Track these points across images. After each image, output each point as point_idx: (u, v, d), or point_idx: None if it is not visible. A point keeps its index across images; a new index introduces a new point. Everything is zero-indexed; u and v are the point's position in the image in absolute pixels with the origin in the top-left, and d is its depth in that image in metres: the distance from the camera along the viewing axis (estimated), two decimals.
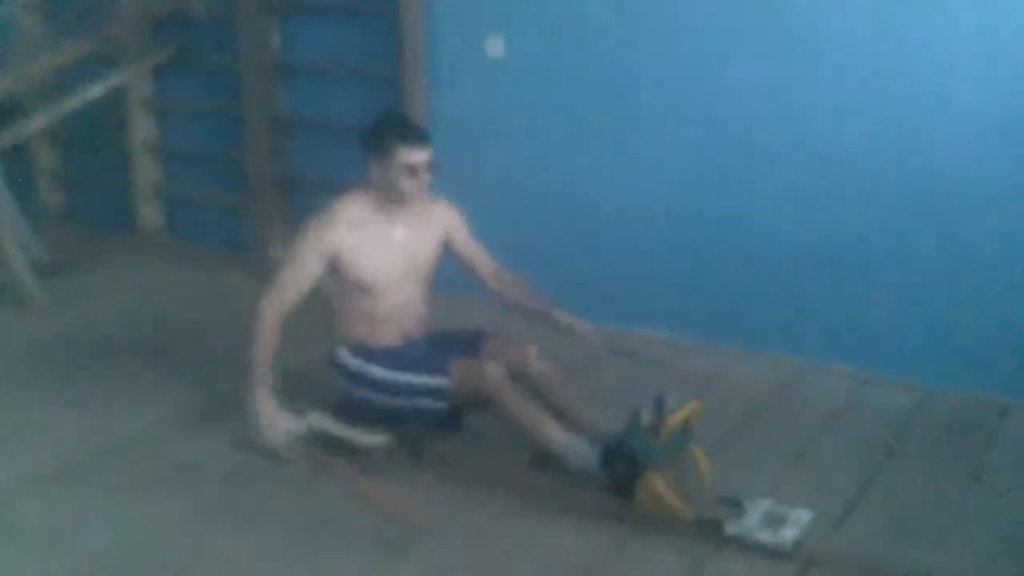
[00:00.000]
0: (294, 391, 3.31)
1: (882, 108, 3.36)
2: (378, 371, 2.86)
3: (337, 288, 2.93)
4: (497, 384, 2.75)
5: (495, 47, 3.97)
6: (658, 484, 2.54)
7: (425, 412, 2.85)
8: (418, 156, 2.80)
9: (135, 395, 3.40)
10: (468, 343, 2.96)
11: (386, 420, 2.91)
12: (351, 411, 2.94)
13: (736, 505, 2.59)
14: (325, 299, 3.00)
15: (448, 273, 3.15)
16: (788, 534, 2.46)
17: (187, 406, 3.32)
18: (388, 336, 2.93)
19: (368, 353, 2.89)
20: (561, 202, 4.03)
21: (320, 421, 2.97)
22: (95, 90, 4.67)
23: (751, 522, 2.51)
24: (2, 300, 4.31)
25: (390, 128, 2.84)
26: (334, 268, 2.87)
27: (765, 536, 2.47)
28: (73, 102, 4.65)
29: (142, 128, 5.02)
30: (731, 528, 2.50)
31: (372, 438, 2.88)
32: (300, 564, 2.47)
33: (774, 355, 3.67)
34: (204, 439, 3.09)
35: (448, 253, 3.08)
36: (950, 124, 3.27)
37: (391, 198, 2.85)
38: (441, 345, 2.98)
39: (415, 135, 2.82)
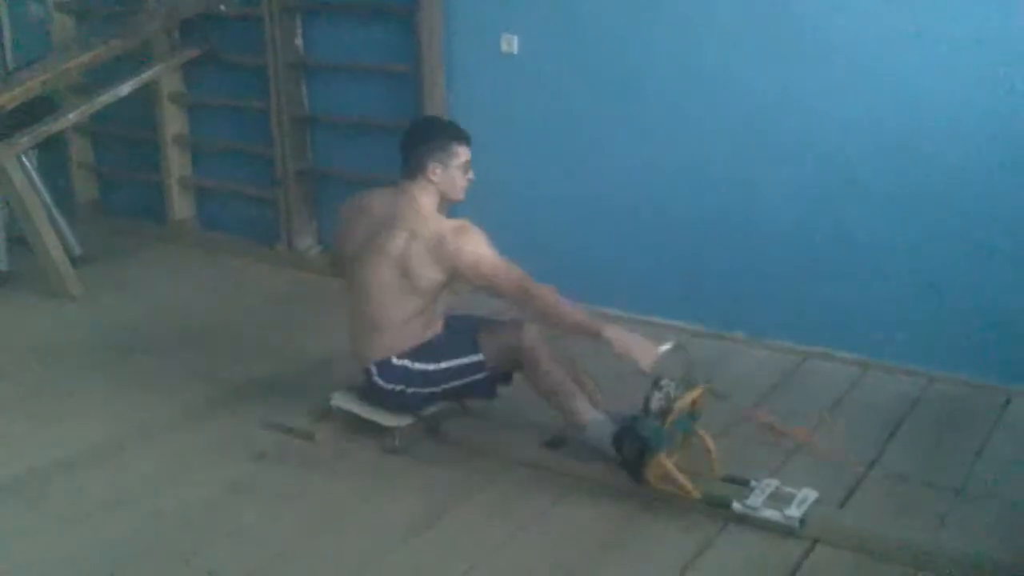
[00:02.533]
0: (320, 376, 3.44)
1: (886, 97, 3.40)
2: (420, 366, 2.93)
3: (414, 295, 2.88)
4: (534, 341, 2.83)
5: (510, 44, 4.07)
6: (667, 465, 2.62)
7: (474, 385, 2.96)
8: (469, 153, 2.92)
9: (165, 381, 3.50)
10: (477, 327, 3.01)
11: (445, 400, 3.02)
12: (408, 407, 3.00)
13: (743, 484, 2.66)
14: (380, 315, 2.93)
15: None
16: (794, 512, 2.53)
17: (215, 391, 3.41)
18: (433, 332, 2.99)
19: (413, 354, 2.94)
20: (572, 193, 4.11)
21: (345, 401, 3.08)
22: (126, 87, 4.77)
23: (758, 501, 2.58)
24: (38, 289, 4.43)
25: (447, 131, 2.96)
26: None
27: (772, 514, 2.54)
28: (105, 98, 4.74)
29: (172, 123, 5.11)
30: (738, 506, 2.57)
31: (395, 419, 2.99)
32: (325, 541, 2.56)
33: (779, 342, 3.72)
34: (231, 422, 3.19)
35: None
36: (954, 113, 3.30)
37: (448, 197, 2.94)
38: (457, 330, 3.05)
39: (467, 135, 2.94)
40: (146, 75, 4.82)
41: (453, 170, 2.90)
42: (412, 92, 4.30)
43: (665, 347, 2.76)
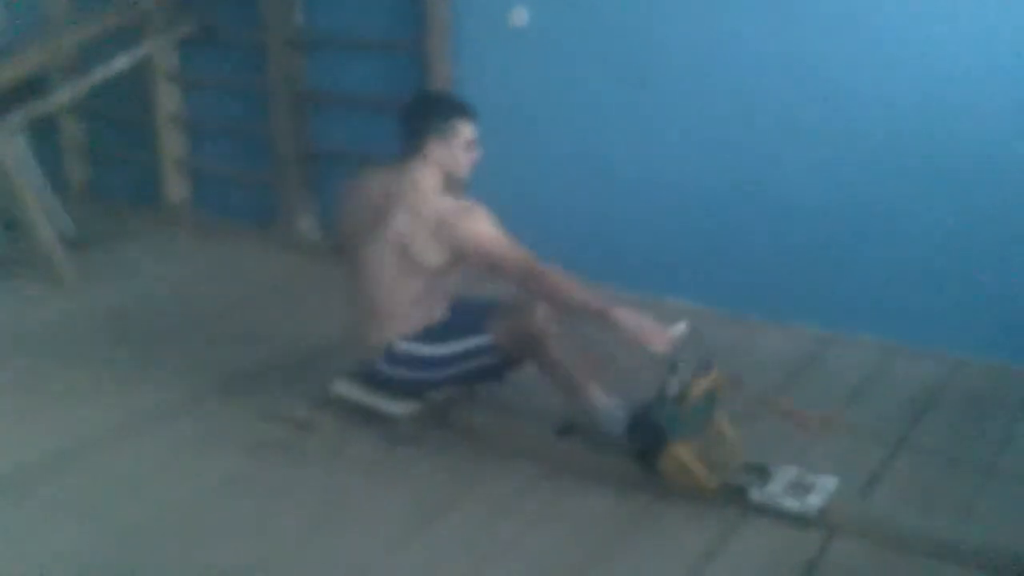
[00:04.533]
0: (320, 362, 3.37)
1: (908, 79, 3.33)
2: (428, 349, 2.85)
3: (418, 277, 2.82)
4: (544, 324, 2.74)
5: (519, 17, 3.97)
6: (683, 453, 2.55)
7: (484, 368, 2.86)
8: (474, 130, 2.82)
9: (159, 369, 3.43)
10: (485, 309, 2.93)
11: (452, 385, 2.93)
12: (414, 393, 2.94)
13: (762, 472, 2.60)
14: (382, 298, 2.88)
15: None
16: (814, 501, 2.47)
17: (212, 379, 3.35)
18: (439, 314, 2.92)
19: (419, 336, 2.86)
20: (585, 171, 4.03)
21: (347, 389, 3.00)
22: (120, 63, 4.70)
23: (776, 489, 2.52)
24: (30, 274, 4.37)
25: (447, 105, 2.85)
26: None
27: (791, 503, 2.48)
28: (98, 75, 4.68)
29: (167, 102, 5.05)
30: (756, 495, 2.51)
31: (400, 406, 2.91)
32: (328, 534, 2.50)
33: (800, 326, 3.66)
34: (229, 412, 3.13)
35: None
36: (977, 96, 3.23)
37: (452, 175, 2.85)
38: (465, 311, 2.97)
39: (471, 110, 2.83)
40: (140, 51, 4.75)
41: (455, 147, 2.79)
42: (416, 68, 4.21)
43: (678, 330, 2.66)
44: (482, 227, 2.71)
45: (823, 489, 2.51)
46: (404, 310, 2.83)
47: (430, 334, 2.86)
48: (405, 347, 2.85)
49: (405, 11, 4.22)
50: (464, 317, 2.89)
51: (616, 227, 4.01)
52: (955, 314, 3.41)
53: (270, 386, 3.26)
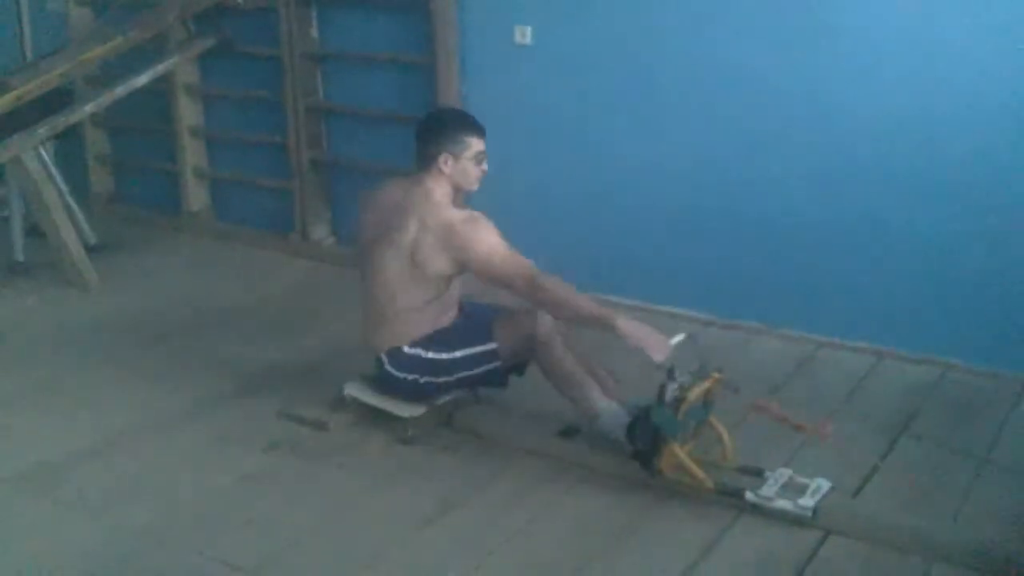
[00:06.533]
0: (333, 366, 3.45)
1: (899, 88, 3.39)
2: (433, 355, 2.93)
3: (424, 285, 2.90)
4: (548, 330, 2.83)
5: (524, 35, 4.07)
6: (680, 455, 2.62)
7: (488, 374, 2.95)
8: (483, 144, 2.92)
9: (178, 371, 3.50)
10: (491, 316, 3.02)
11: (457, 389, 3.02)
12: (421, 396, 3.01)
13: (757, 474, 2.66)
14: (390, 303, 2.94)
15: None
16: (807, 502, 2.52)
17: (229, 381, 3.42)
18: (446, 320, 3.01)
19: (426, 342, 2.95)
20: (585, 182, 4.10)
21: (359, 391, 3.08)
22: (143, 78, 4.79)
23: (771, 491, 2.58)
24: (53, 279, 4.45)
25: (459, 122, 2.96)
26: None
27: (785, 504, 2.54)
28: (121, 89, 4.75)
29: (188, 114, 5.12)
30: (752, 496, 2.57)
31: (408, 408, 2.99)
32: (340, 531, 2.58)
33: (793, 331, 3.71)
34: (245, 413, 3.20)
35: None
36: (966, 104, 3.28)
37: (462, 188, 2.95)
38: (471, 318, 3.07)
39: (478, 125, 2.94)
40: (162, 66, 4.84)
41: (465, 161, 2.89)
42: (427, 83, 4.30)
43: (677, 339, 2.75)
44: (489, 239, 2.80)
45: (817, 491, 2.57)
46: (410, 316, 2.92)
47: (437, 340, 2.94)
48: (411, 352, 2.93)
49: (415, 29, 4.31)
50: (471, 324, 2.99)
51: (617, 238, 4.07)
52: (944, 320, 3.46)
53: (286, 388, 3.33)
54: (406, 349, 2.94)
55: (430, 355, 2.93)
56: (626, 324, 2.71)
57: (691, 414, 2.67)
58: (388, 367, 2.97)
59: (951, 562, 2.39)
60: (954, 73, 3.29)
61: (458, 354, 2.92)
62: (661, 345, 2.69)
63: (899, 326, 3.54)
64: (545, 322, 2.85)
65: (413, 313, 2.92)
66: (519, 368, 3.01)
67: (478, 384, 3.05)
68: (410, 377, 2.95)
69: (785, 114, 3.61)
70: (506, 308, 3.05)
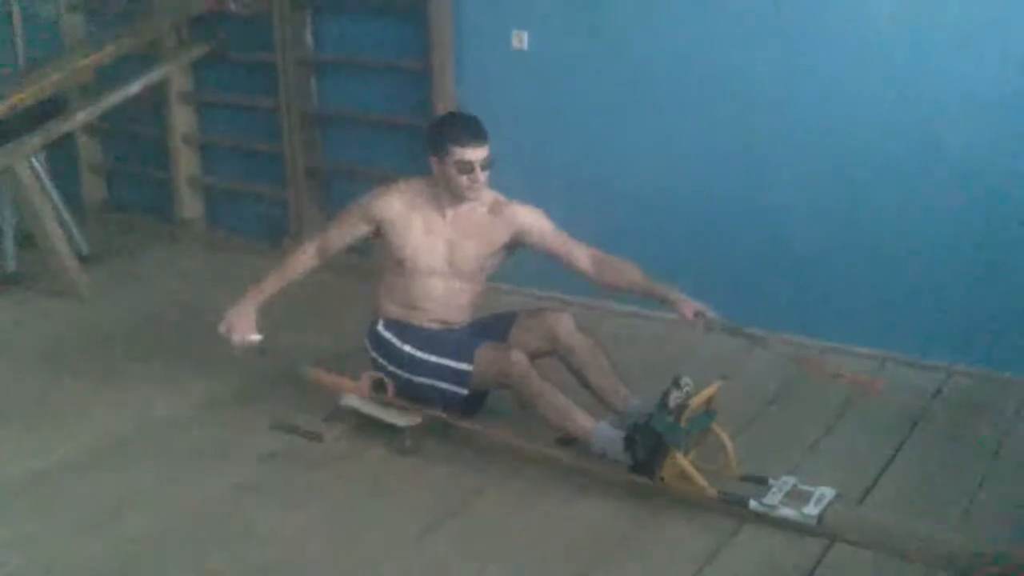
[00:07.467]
0: (336, 370, 3.42)
1: (899, 94, 3.38)
2: (407, 348, 2.98)
3: (381, 259, 3.11)
4: (522, 372, 2.82)
5: (520, 40, 4.05)
6: (683, 463, 2.60)
7: (445, 394, 2.95)
8: (472, 154, 2.91)
9: (173, 380, 3.48)
10: (505, 325, 3.06)
11: (410, 398, 2.99)
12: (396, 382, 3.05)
13: (760, 483, 2.64)
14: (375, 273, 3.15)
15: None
16: (812, 510, 2.50)
17: (223, 390, 3.40)
18: (423, 320, 3.04)
19: (402, 329, 3.01)
20: (584, 188, 4.07)
21: (356, 401, 3.05)
22: (135, 86, 4.77)
23: (775, 499, 2.55)
24: (46, 288, 4.43)
25: (446, 127, 2.99)
26: (378, 233, 3.04)
27: (789, 512, 2.51)
28: (114, 97, 4.74)
29: (181, 121, 5.11)
30: (755, 505, 2.54)
31: (404, 416, 2.96)
32: (338, 541, 2.55)
33: (795, 337, 3.67)
34: (240, 422, 3.18)
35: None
36: (969, 97, 3.27)
37: (450, 193, 2.98)
38: (478, 330, 3.07)
39: (470, 134, 2.92)
40: (155, 74, 4.82)
41: (447, 167, 2.92)
42: (423, 89, 4.28)
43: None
44: (352, 206, 3.09)
45: (821, 498, 2.55)
46: (382, 282, 3.11)
47: (416, 335, 2.99)
48: (384, 334, 3.04)
49: (411, 34, 4.30)
50: (464, 339, 3.00)
51: (615, 241, 4.02)
52: (948, 323, 3.44)
53: (280, 397, 3.30)
54: (380, 327, 3.04)
55: (404, 346, 2.99)
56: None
57: (693, 422, 2.65)
58: (366, 340, 3.10)
59: (958, 570, 2.36)
60: (954, 69, 3.28)
61: (432, 359, 2.94)
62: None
63: (902, 331, 3.52)
64: (520, 362, 2.84)
65: (384, 283, 3.09)
66: (480, 402, 3.04)
67: (436, 401, 2.98)
68: (379, 358, 3.05)
69: (786, 120, 3.60)
70: (503, 334, 3.04)
